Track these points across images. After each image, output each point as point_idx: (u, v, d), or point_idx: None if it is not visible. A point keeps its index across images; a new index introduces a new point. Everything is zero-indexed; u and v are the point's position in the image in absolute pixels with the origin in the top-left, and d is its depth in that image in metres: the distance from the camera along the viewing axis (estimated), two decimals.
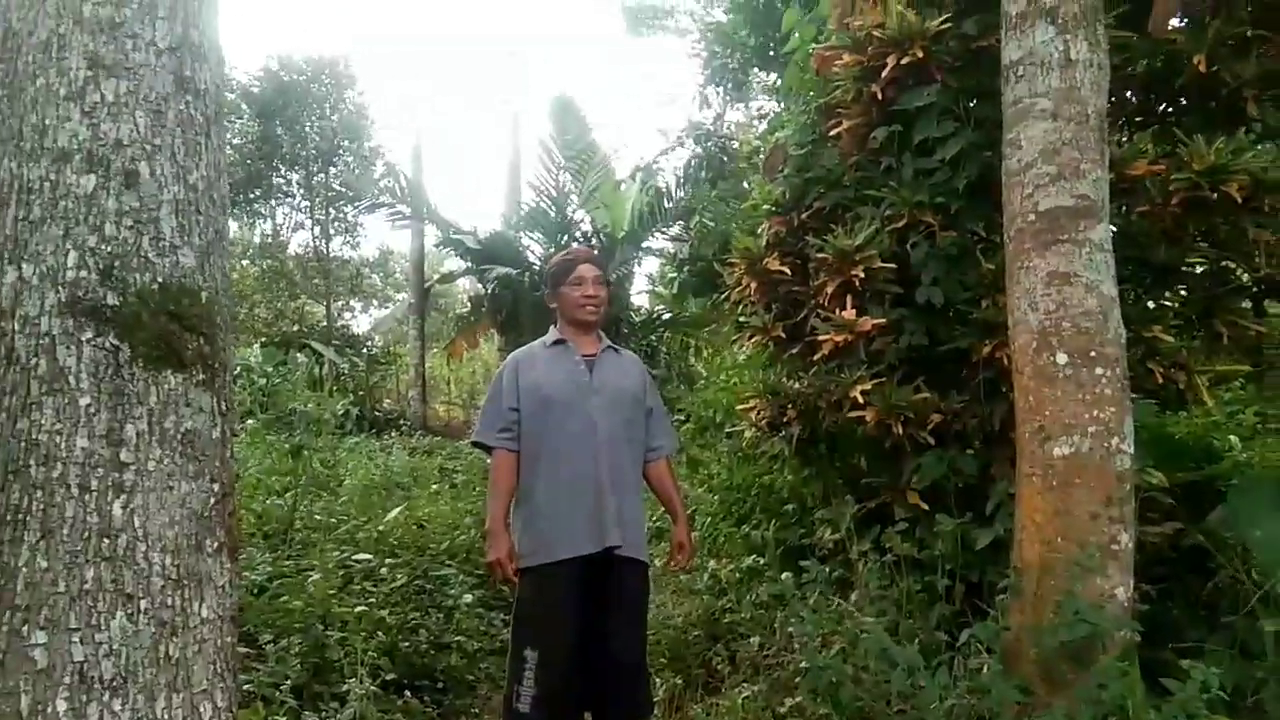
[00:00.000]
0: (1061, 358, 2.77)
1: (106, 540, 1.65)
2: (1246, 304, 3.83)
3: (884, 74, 3.55)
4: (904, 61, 3.52)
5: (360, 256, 18.19)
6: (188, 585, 1.75)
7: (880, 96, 3.62)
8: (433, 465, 8.96)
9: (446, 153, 45.71)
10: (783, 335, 4.02)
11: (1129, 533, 2.68)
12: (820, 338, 3.55)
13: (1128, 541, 2.67)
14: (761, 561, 4.24)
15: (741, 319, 4.30)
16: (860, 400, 3.46)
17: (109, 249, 1.73)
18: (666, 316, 11.85)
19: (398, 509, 5.80)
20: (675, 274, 11.12)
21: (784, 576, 3.47)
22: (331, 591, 3.88)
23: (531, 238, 11.92)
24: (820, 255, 3.62)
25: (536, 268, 11.45)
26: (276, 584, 3.91)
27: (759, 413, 4.03)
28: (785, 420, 3.91)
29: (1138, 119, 4.04)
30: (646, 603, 3.10)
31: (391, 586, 4.37)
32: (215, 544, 1.81)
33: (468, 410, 15.72)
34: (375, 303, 21.62)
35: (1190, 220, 3.32)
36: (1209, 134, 3.33)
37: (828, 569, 3.47)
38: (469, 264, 12.31)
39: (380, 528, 5.33)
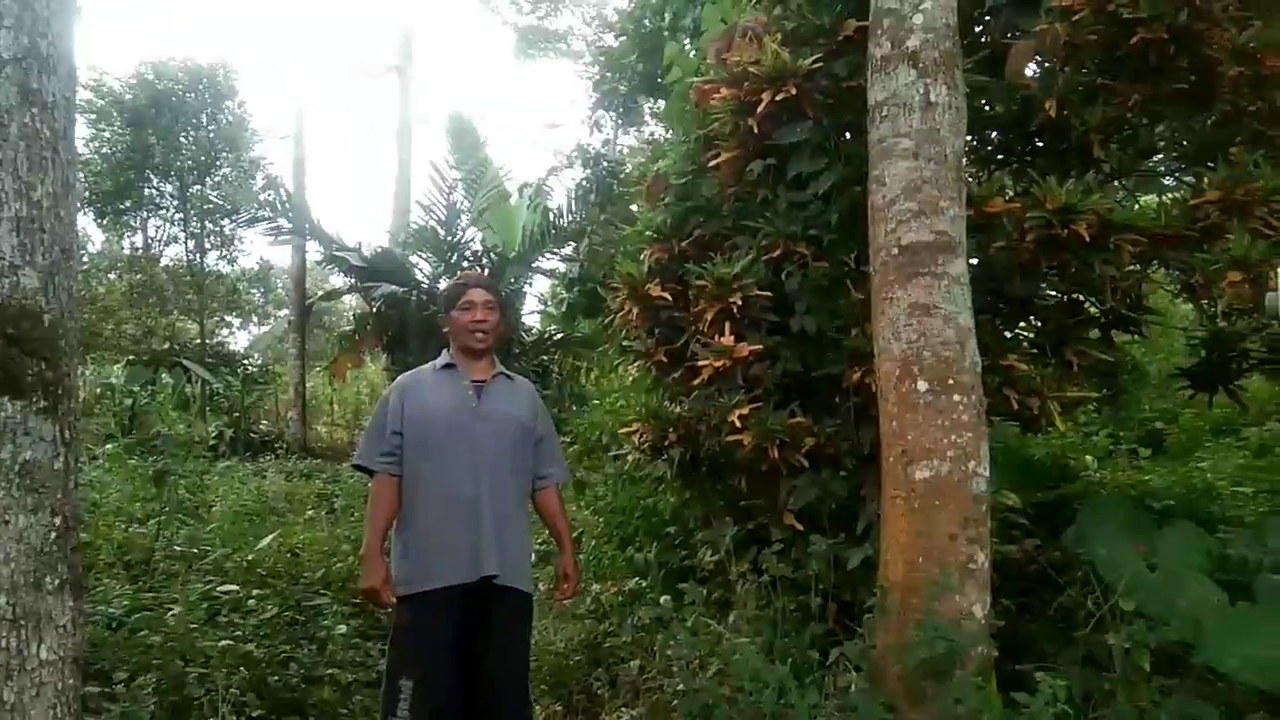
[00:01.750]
0: (922, 385, 2.90)
1: None
2: (1095, 334, 4.09)
3: (759, 109, 3.65)
4: (779, 98, 3.63)
5: (238, 271, 17.52)
6: (25, 625, 1.65)
7: (756, 130, 3.73)
8: (311, 489, 8.66)
9: (332, 167, 44.58)
10: (664, 360, 4.07)
11: (985, 552, 2.82)
12: (700, 363, 3.62)
13: (984, 561, 2.81)
14: (644, 584, 4.28)
15: (625, 343, 4.34)
16: (738, 424, 3.54)
17: None
18: (558, 337, 11.83)
19: (270, 536, 5.59)
20: (566, 294, 11.13)
21: (664, 599, 3.50)
22: (194, 625, 3.71)
23: (420, 256, 11.74)
24: (700, 283, 3.70)
25: (425, 286, 11.27)
26: (134, 618, 3.72)
27: (642, 436, 4.06)
28: (667, 444, 3.96)
29: (998, 157, 4.28)
30: (528, 632, 3.08)
31: (261, 618, 4.21)
32: (56, 581, 1.72)
33: (351, 431, 15.25)
34: (254, 319, 20.83)
35: (1044, 256, 3.52)
36: (1061, 174, 3.55)
37: (707, 590, 3.52)
38: (354, 281, 12.02)
39: (250, 556, 5.13)
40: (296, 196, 12.37)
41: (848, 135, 3.80)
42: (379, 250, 11.62)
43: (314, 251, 12.62)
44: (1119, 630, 2.87)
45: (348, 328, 13.99)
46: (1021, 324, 4.09)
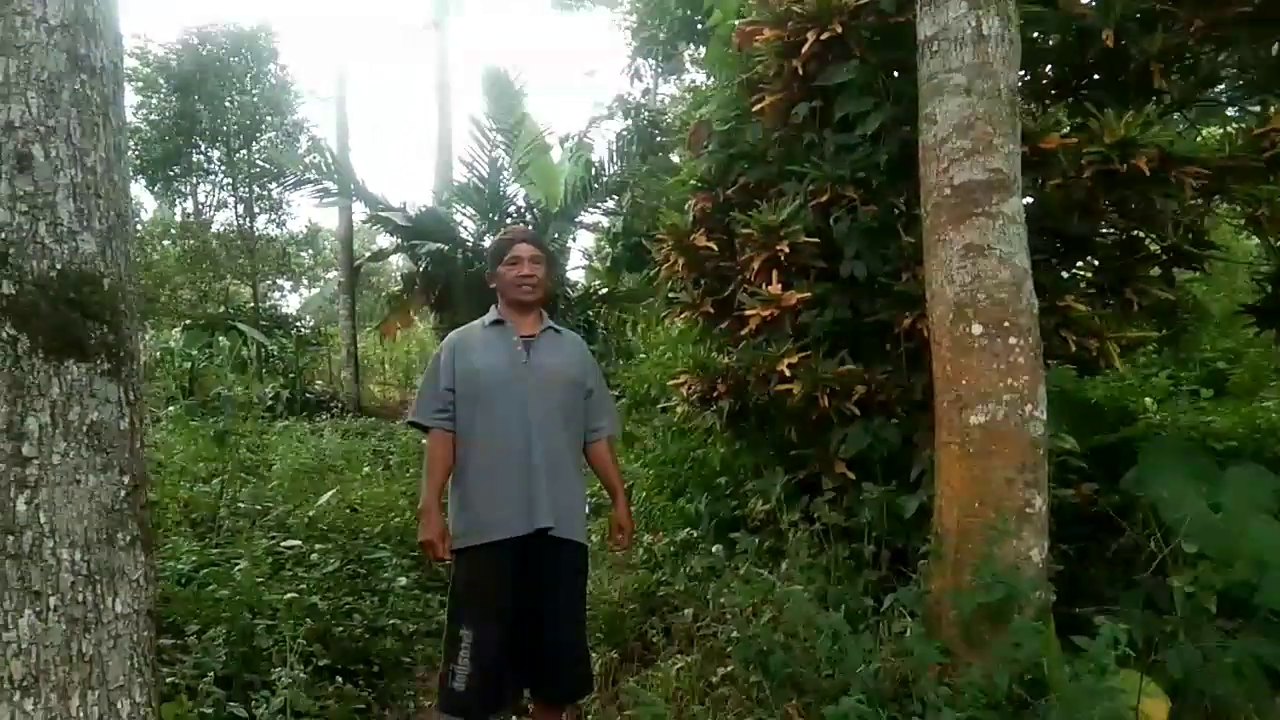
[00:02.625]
0: (977, 328, 2.84)
1: (11, 537, 1.60)
2: (1156, 272, 3.96)
3: (804, 49, 3.56)
4: (823, 37, 3.53)
5: (287, 234, 17.73)
6: (99, 580, 1.71)
7: (801, 72, 3.64)
8: (367, 447, 8.84)
9: (374, 126, 44.67)
10: (711, 310, 4.04)
11: (1043, 496, 2.78)
12: (747, 312, 3.58)
13: (1042, 505, 2.77)
14: (695, 534, 4.30)
15: (671, 295, 4.31)
16: (787, 373, 3.51)
17: (3, 236, 1.66)
18: (603, 291, 11.82)
19: (329, 493, 5.72)
20: (610, 249, 11.09)
21: (716, 549, 3.52)
22: (260, 579, 3.82)
23: (464, 213, 11.76)
24: (745, 231, 3.64)
25: (470, 244, 11.31)
26: (203, 573, 3.84)
27: (690, 387, 4.05)
28: (716, 394, 3.95)
29: (1052, 91, 4.13)
30: (584, 583, 3.12)
31: (324, 572, 4.33)
32: (128, 537, 1.77)
33: (403, 390, 15.50)
34: (305, 282, 21.13)
35: (1102, 192, 3.41)
36: (1119, 107, 3.42)
37: (759, 540, 3.53)
38: (400, 241, 12.11)
39: (311, 512, 5.26)
40: (341, 158, 12.44)
41: (896, 74, 3.69)
42: (423, 209, 11.67)
43: (360, 212, 12.73)
44: (1181, 573, 2.82)
45: (396, 288, 14.16)
46: (1079, 263, 3.97)
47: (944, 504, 2.88)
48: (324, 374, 15.54)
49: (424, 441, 3.11)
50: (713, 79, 5.23)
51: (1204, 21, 3.41)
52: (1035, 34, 3.76)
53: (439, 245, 10.97)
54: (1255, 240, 6.03)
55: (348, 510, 5.59)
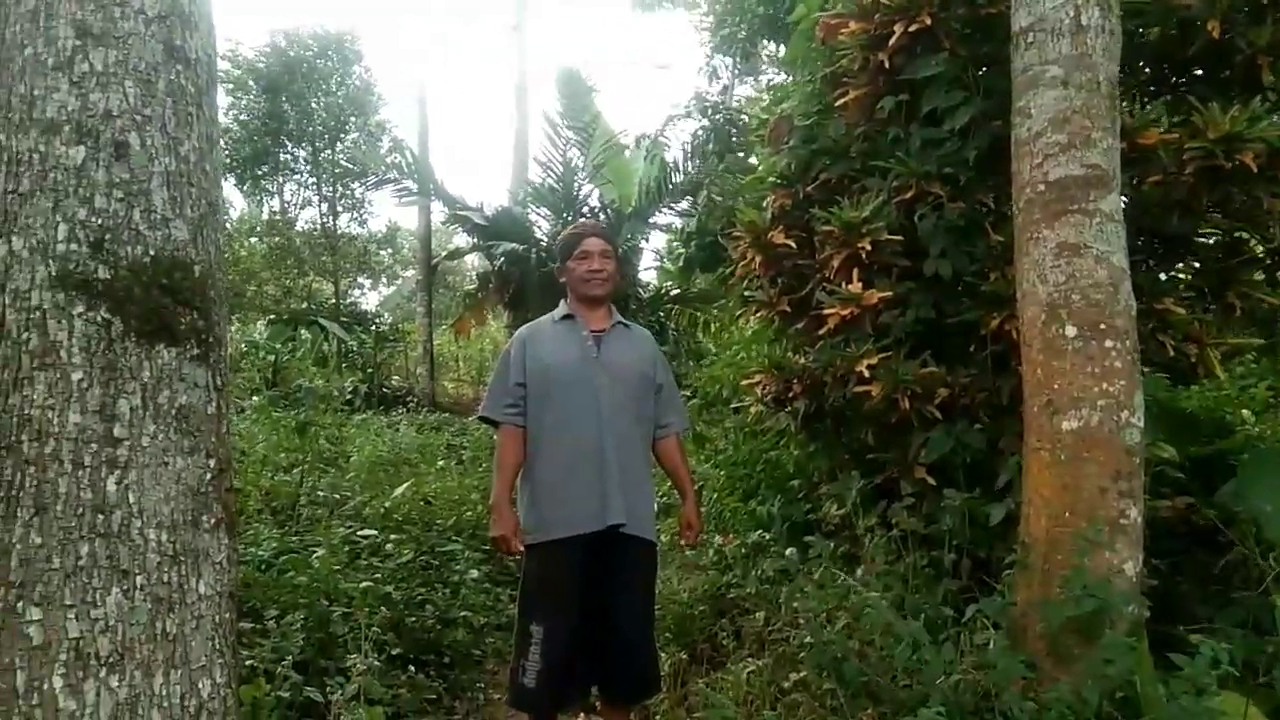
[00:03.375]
0: (1070, 330, 2.72)
1: (101, 516, 1.63)
2: (1260, 276, 3.76)
3: (891, 42, 3.47)
4: (912, 29, 3.44)
5: (368, 233, 18.15)
6: (184, 561, 1.73)
7: (887, 65, 3.55)
8: (440, 441, 8.98)
9: (453, 127, 45.42)
10: (788, 309, 3.97)
11: (1138, 507, 2.64)
12: (826, 311, 3.51)
13: (1136, 516, 2.64)
14: (767, 537, 4.23)
15: (747, 293, 4.25)
16: (866, 375, 3.42)
17: (99, 221, 1.71)
18: (674, 292, 11.79)
19: (404, 485, 5.81)
20: (683, 249, 11.05)
21: (789, 552, 3.45)
22: (337, 567, 3.89)
23: (539, 213, 11.86)
24: (826, 228, 3.57)
25: (544, 244, 11.40)
26: (282, 559, 3.93)
27: (764, 388, 3.99)
28: (791, 395, 3.88)
29: (1150, 88, 3.95)
30: (653, 580, 3.09)
31: (398, 562, 4.39)
32: (212, 520, 1.80)
33: (476, 387, 15.72)
34: (384, 280, 21.60)
35: (1204, 190, 3.25)
36: (1223, 102, 3.25)
37: (833, 544, 3.45)
38: (476, 240, 12.27)
39: (387, 504, 5.35)
40: (421, 158, 12.66)
41: (985, 68, 3.57)
42: (499, 209, 11.80)
43: (438, 212, 12.95)
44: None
45: (471, 286, 14.36)
46: (1178, 265, 3.79)
47: (1032, 512, 2.77)
48: (400, 370, 15.86)
49: (495, 437, 3.11)
50: (793, 76, 5.15)
51: None
52: (1135, 27, 3.60)
53: (514, 245, 11.07)
54: None
55: (422, 503, 5.67)
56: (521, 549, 2.93)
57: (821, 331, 3.59)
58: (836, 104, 3.80)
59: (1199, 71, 3.74)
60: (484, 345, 16.92)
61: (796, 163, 3.96)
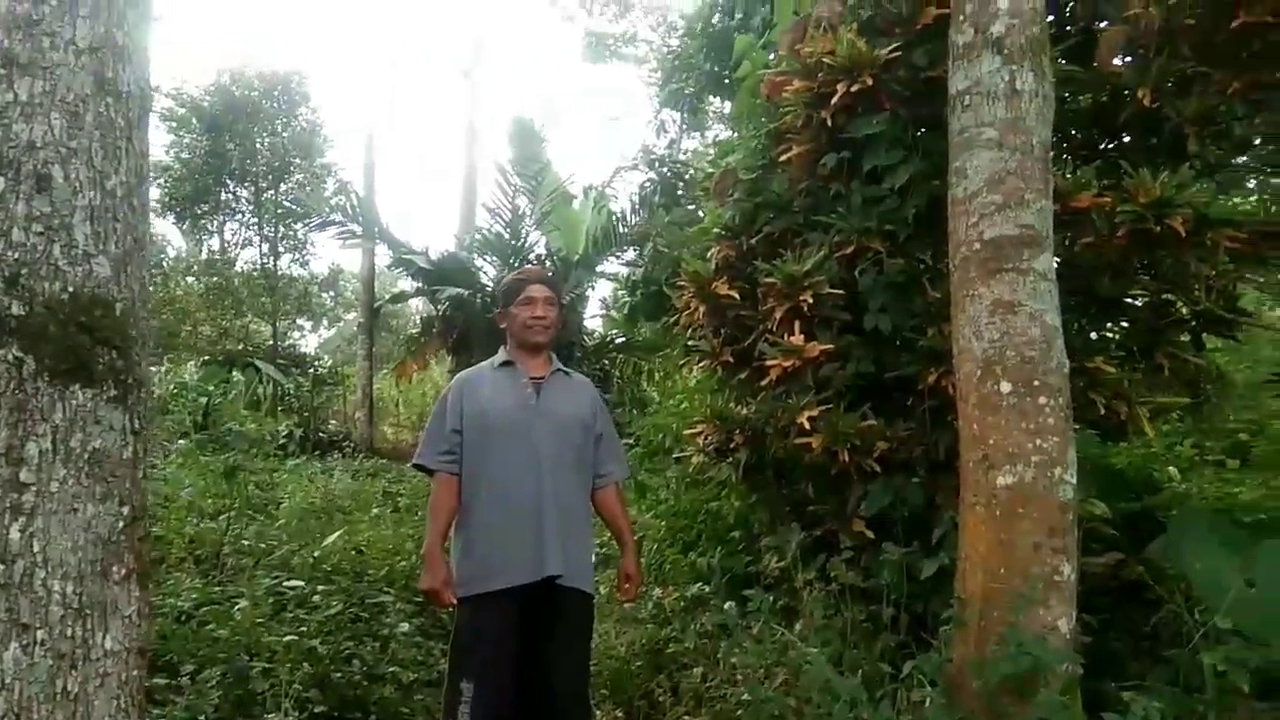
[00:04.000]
0: (1005, 386, 2.77)
1: (1, 566, 1.54)
2: (1185, 337, 3.88)
3: (833, 101, 3.55)
4: (854, 89, 3.52)
5: (310, 275, 17.90)
6: (90, 615, 1.64)
7: (830, 123, 3.62)
8: (376, 488, 8.77)
9: (401, 171, 45.32)
10: (731, 360, 3.99)
11: (1071, 564, 2.67)
12: (768, 363, 3.52)
13: (1070, 573, 2.66)
14: (707, 589, 4.19)
15: (690, 343, 4.26)
16: (807, 427, 3.43)
17: (16, 256, 1.64)
18: (619, 341, 11.81)
19: (336, 534, 5.64)
20: (628, 298, 11.11)
21: (728, 606, 3.41)
22: (260, 619, 3.73)
23: (485, 259, 11.83)
24: (769, 280, 3.60)
25: (489, 289, 11.36)
26: (203, 611, 3.76)
27: (707, 438, 3.98)
28: (733, 446, 3.87)
29: (1082, 152, 4.10)
30: (589, 634, 3.02)
31: (325, 615, 4.22)
32: (123, 570, 1.71)
33: (416, 433, 15.45)
34: (324, 322, 21.28)
35: (1135, 253, 3.35)
36: (1152, 169, 3.38)
37: (772, 598, 3.42)
38: (420, 284, 12.17)
39: (316, 553, 5.17)
40: (366, 201, 12.58)
41: (924, 129, 3.67)
42: (445, 254, 11.75)
43: (383, 255, 12.84)
44: (1213, 649, 2.69)
45: (414, 330, 14.20)
46: (1109, 325, 3.90)
47: (968, 568, 2.78)
48: (338, 414, 15.55)
49: (431, 484, 3.04)
50: (738, 131, 5.24)
51: (1241, 84, 3.37)
52: (1068, 93, 3.73)
53: (459, 290, 11.01)
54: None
55: (353, 552, 5.50)
56: (454, 601, 2.85)
57: (764, 383, 3.60)
58: (780, 159, 3.86)
59: (1129, 138, 3.89)
60: (425, 390, 16.69)
61: (741, 215, 4.01)
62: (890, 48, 3.52)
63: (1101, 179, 3.65)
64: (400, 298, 15.32)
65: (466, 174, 17.49)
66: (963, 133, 3.04)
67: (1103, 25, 3.71)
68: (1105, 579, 3.47)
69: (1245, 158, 4.23)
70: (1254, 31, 3.24)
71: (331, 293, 20.02)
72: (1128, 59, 3.55)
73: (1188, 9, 3.27)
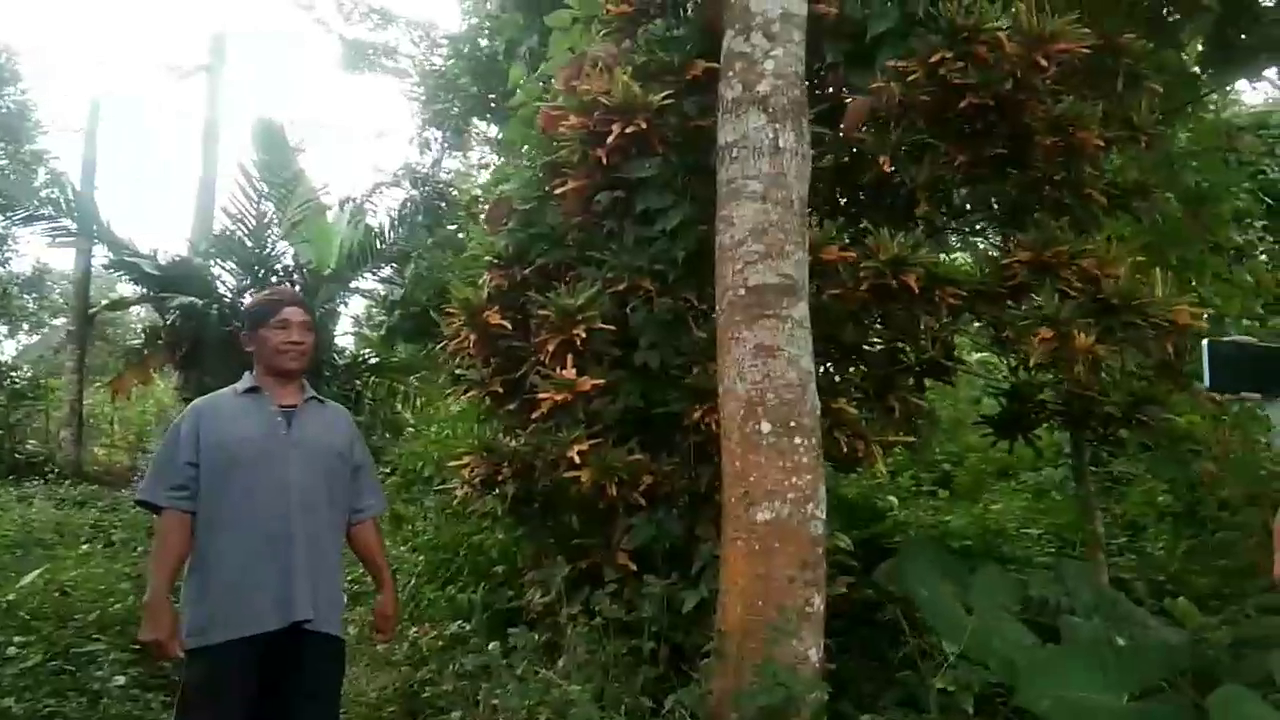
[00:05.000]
0: (766, 426, 2.92)
1: None
2: (911, 381, 4.29)
3: (609, 140, 3.61)
4: (628, 130, 3.60)
5: (9, 274, 15.73)
6: None
7: (605, 161, 3.68)
8: (86, 519, 7.82)
9: (131, 169, 41.10)
10: (500, 390, 3.93)
11: (821, 595, 2.85)
12: (540, 395, 3.50)
13: (820, 604, 2.84)
14: (467, 627, 4.06)
15: (459, 371, 4.15)
16: (577, 460, 3.43)
17: None
18: (373, 361, 11.32)
19: (35, 572, 4.95)
20: (385, 317, 10.70)
21: (490, 646, 3.33)
22: None
23: (224, 267, 10.94)
24: (543, 312, 3.59)
25: (227, 300, 10.52)
26: None
27: (473, 469, 3.88)
28: (500, 478, 3.80)
29: (827, 208, 4.43)
30: (339, 683, 2.83)
31: (21, 667, 3.70)
32: None
33: (133, 455, 13.96)
34: (25, 328, 18.77)
35: (874, 304, 3.66)
36: (888, 227, 3.71)
37: (536, 635, 3.38)
38: (145, 291, 11.05)
39: (11, 596, 4.52)
40: (85, 196, 11.27)
41: (693, 175, 3.81)
42: (177, 258, 10.75)
43: (101, 256, 11.53)
44: (933, 670, 2.96)
45: (136, 341, 12.84)
46: (850, 369, 4.23)
47: (728, 601, 2.89)
48: (39, 432, 13.72)
49: (156, 522, 2.73)
50: (511, 158, 5.22)
51: (965, 157, 3.79)
52: (817, 153, 4.03)
53: (192, 299, 10.09)
54: (977, 356, 6.80)
55: (57, 594, 4.84)
56: (181, 654, 2.56)
57: (534, 415, 3.57)
58: (555, 192, 3.87)
59: (867, 197, 4.26)
60: (146, 407, 15.13)
61: (514, 245, 3.98)
62: (663, 94, 3.64)
63: (844, 232, 3.97)
64: (120, 304, 13.79)
65: (203, 176, 16.10)
66: (730, 183, 3.19)
67: (848, 92, 4.05)
68: (839, 602, 3.73)
69: (958, 222, 4.79)
70: (977, 112, 3.66)
71: (35, 295, 17.70)
72: (870, 127, 3.89)
73: (923, 87, 3.64)
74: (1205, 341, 1.43)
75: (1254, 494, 4.46)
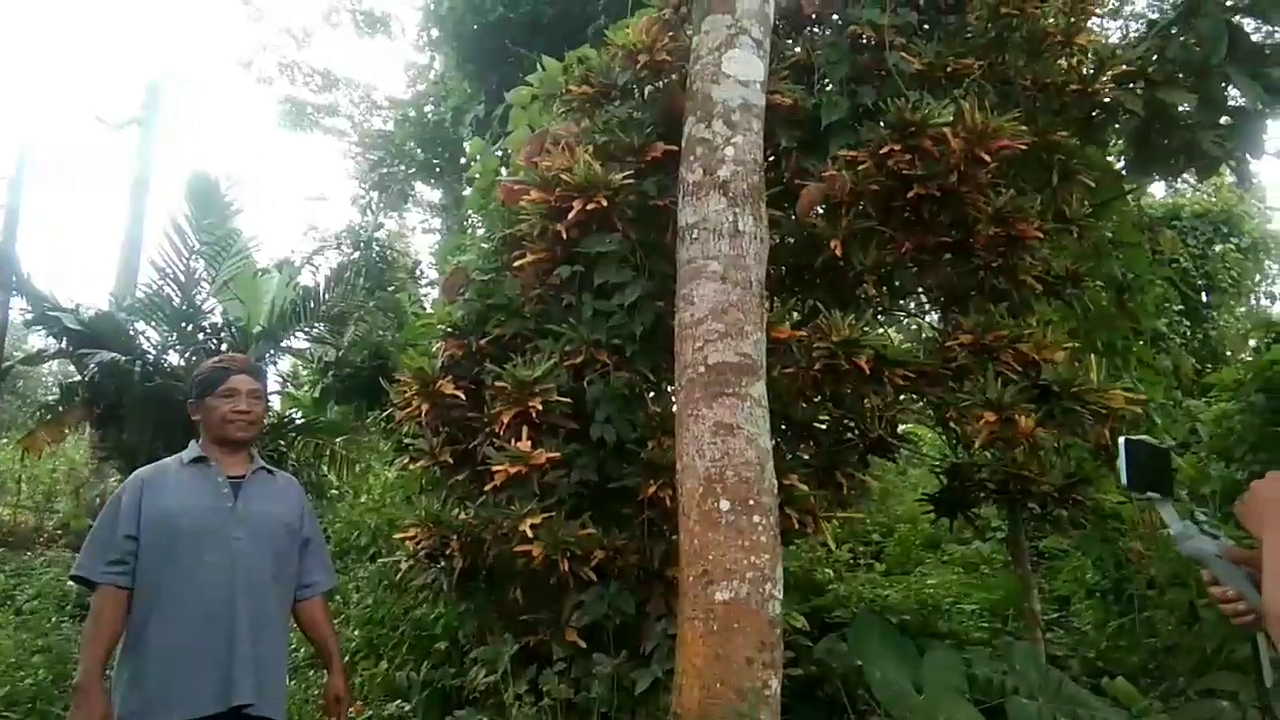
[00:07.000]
0: (725, 504, 2.93)
1: None
2: (856, 458, 4.37)
3: (569, 216, 3.66)
4: (588, 207, 3.66)
5: None
6: None
7: (565, 236, 3.73)
8: None
9: (56, 221, 39.59)
10: (450, 461, 3.87)
11: (778, 677, 2.84)
12: (494, 468, 3.45)
13: (776, 686, 2.83)
14: (406, 707, 3.92)
15: (408, 440, 4.08)
16: (529, 534, 3.39)
17: None
18: (299, 420, 11.02)
19: None
20: (316, 377, 10.47)
21: None
22: None
23: (149, 323, 10.61)
24: (498, 384, 3.57)
25: (150, 356, 10.18)
26: None
27: (419, 541, 3.79)
28: (447, 551, 3.72)
29: (779, 287, 4.54)
30: None
31: None
32: None
33: (41, 515, 13.25)
34: None
35: (825, 383, 3.74)
36: (838, 308, 3.82)
37: (480, 715, 3.28)
38: (63, 345, 10.62)
39: None
40: (5, 245, 10.89)
41: (651, 252, 3.88)
42: (99, 313, 10.38)
43: (18, 309, 11.08)
44: None
45: (50, 397, 12.29)
46: (800, 446, 4.29)
47: (685, 682, 2.85)
48: None
49: (90, 599, 2.60)
50: (463, 226, 5.23)
51: (911, 244, 3.94)
52: (771, 235, 4.14)
53: (114, 355, 9.74)
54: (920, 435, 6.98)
55: None
56: None
57: (487, 487, 3.52)
58: (514, 264, 3.89)
59: (819, 279, 4.37)
60: (56, 465, 14.41)
61: (470, 315, 3.98)
62: (623, 174, 3.72)
63: (793, 313, 4.06)
64: (36, 359, 13.20)
65: (129, 229, 15.71)
66: (691, 262, 3.26)
67: (801, 178, 4.18)
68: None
69: (901, 304, 4.95)
70: (923, 201, 3.82)
71: None
72: (822, 212, 4.02)
73: (873, 176, 3.79)
74: (1122, 440, 1.50)
75: (1178, 574, 4.61)
